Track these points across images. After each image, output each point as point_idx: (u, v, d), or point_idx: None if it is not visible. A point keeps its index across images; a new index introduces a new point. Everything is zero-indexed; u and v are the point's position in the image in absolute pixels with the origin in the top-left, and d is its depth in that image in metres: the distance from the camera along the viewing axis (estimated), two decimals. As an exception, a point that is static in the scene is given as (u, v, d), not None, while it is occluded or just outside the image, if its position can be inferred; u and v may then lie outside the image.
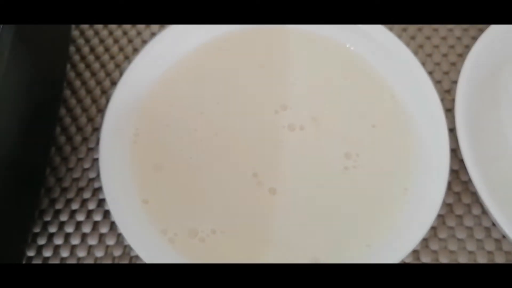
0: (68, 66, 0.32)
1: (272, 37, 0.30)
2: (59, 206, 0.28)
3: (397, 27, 0.33)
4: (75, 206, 0.28)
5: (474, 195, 0.28)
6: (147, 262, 0.24)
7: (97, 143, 0.30)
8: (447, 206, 0.28)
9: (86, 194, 0.28)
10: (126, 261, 0.27)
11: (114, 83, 0.32)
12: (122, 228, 0.24)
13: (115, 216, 0.25)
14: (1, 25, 0.23)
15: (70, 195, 0.28)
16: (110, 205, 0.25)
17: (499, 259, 0.26)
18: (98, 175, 0.29)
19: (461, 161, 0.28)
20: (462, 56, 0.31)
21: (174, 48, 0.29)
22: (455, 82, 0.31)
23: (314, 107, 0.28)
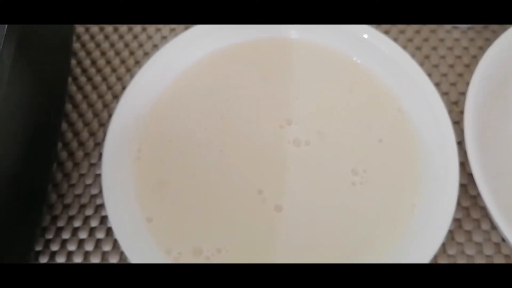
0: (69, 79, 0.32)
1: (276, 49, 0.29)
2: (61, 223, 0.28)
3: (403, 37, 0.32)
4: (77, 223, 0.28)
5: (483, 209, 0.27)
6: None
7: (99, 158, 0.29)
8: (455, 221, 0.27)
9: (89, 211, 0.28)
10: (129, 280, 0.26)
11: (116, 97, 0.31)
12: (125, 248, 0.24)
13: (118, 236, 0.24)
14: (3, 40, 0.22)
15: (72, 212, 0.28)
16: (113, 224, 0.24)
17: (510, 275, 0.26)
18: (100, 191, 0.28)
19: (470, 175, 0.27)
20: (469, 66, 0.31)
21: (176, 62, 0.29)
22: (462, 94, 0.30)
23: (320, 121, 0.27)
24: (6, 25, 0.22)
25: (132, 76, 0.31)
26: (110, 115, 0.30)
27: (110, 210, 0.25)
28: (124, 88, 0.31)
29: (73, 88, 0.32)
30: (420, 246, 0.24)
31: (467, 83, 0.30)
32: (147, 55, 0.32)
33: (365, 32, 0.28)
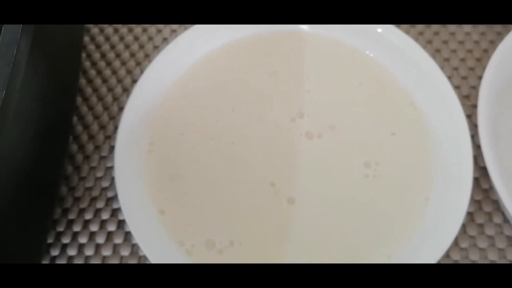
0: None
1: (288, 42, 0.29)
2: (72, 216, 0.28)
3: (414, 31, 0.32)
4: (88, 216, 0.28)
5: (496, 203, 0.27)
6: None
7: (110, 151, 0.29)
8: (468, 214, 0.27)
9: (99, 204, 0.28)
10: (141, 272, 0.26)
11: (126, 90, 0.31)
12: (139, 240, 0.24)
13: (132, 227, 0.24)
14: (19, 34, 0.22)
15: (83, 204, 0.28)
16: (127, 216, 0.24)
17: (522, 268, 0.26)
18: (111, 184, 0.28)
19: (482, 168, 0.27)
20: (480, 60, 0.31)
21: (187, 55, 0.29)
22: (473, 87, 0.30)
23: (332, 114, 0.27)
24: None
25: (142, 70, 0.31)
26: (120, 108, 0.30)
27: (123, 202, 0.25)
28: (134, 81, 0.31)
29: (83, 81, 0.31)
30: (433, 239, 0.24)
31: (479, 77, 0.30)
32: (156, 48, 0.32)
33: (378, 26, 0.28)
